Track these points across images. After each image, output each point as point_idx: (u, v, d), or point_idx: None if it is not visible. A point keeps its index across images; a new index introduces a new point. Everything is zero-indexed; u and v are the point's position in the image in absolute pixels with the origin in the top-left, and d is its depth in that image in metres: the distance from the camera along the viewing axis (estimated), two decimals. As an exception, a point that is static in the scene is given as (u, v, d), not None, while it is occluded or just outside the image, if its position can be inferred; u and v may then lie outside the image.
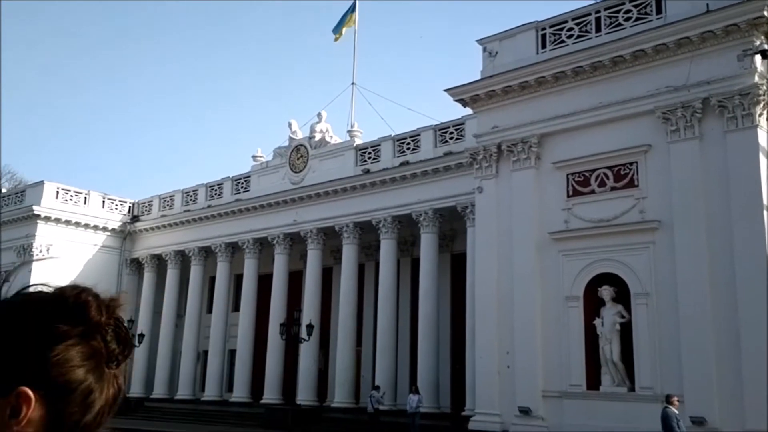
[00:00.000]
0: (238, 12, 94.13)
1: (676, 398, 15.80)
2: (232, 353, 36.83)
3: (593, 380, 20.23)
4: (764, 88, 18.47)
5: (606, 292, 20.18)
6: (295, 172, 34.95)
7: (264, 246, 36.26)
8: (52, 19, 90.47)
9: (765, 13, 18.05)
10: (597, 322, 20.22)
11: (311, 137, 34.95)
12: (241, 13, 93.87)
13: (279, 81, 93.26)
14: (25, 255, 39.66)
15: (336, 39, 38.49)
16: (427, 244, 29.28)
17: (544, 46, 22.56)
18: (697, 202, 18.81)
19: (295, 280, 35.50)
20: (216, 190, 39.59)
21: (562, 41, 22.10)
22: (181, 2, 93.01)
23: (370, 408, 26.34)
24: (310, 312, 31.95)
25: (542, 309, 21.31)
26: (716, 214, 18.52)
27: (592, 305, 20.55)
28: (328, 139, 34.66)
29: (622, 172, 20.56)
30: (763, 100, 18.44)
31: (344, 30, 38.26)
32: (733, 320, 17.79)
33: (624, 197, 20.37)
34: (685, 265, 18.69)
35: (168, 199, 42.37)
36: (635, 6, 20.78)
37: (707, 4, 18.90)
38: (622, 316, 19.87)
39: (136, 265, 43.08)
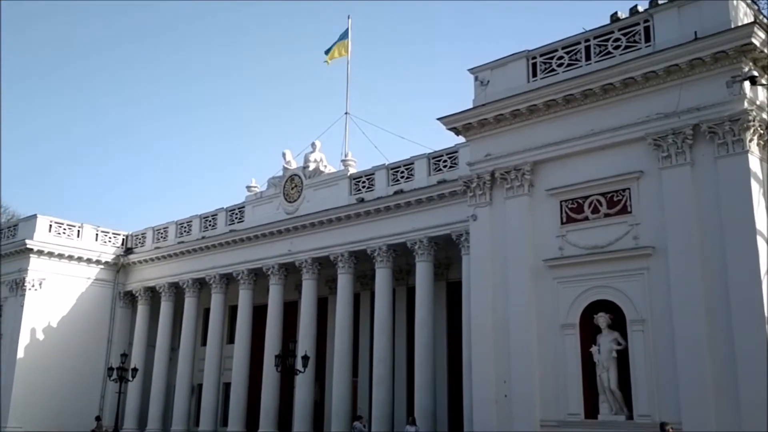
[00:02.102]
0: (230, 41, 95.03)
1: (670, 426, 15.73)
2: (227, 386, 36.49)
3: (591, 409, 20.03)
4: (754, 113, 18.61)
5: (602, 319, 20.07)
6: (290, 202, 34.95)
7: (259, 277, 36.10)
8: (40, 48, 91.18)
9: (753, 40, 18.25)
10: (593, 349, 20.07)
11: (305, 167, 35.02)
12: (234, 42, 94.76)
13: (272, 111, 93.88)
14: (18, 289, 39.45)
15: (327, 62, 38.75)
16: (423, 272, 29.18)
17: (535, 74, 22.74)
18: (691, 228, 18.82)
19: (291, 311, 35.34)
20: (210, 221, 39.53)
21: (553, 70, 22.29)
22: (174, 31, 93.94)
23: (354, 439, 26.19)
24: (305, 343, 31.72)
25: (538, 337, 21.19)
26: (710, 239, 18.52)
27: (589, 332, 20.43)
28: (322, 168, 34.74)
29: (615, 199, 20.61)
30: (753, 126, 18.56)
31: (336, 56, 38.52)
32: (729, 345, 17.69)
33: (617, 224, 20.38)
34: (680, 291, 18.65)
35: (162, 230, 42.27)
36: (624, 34, 21.01)
37: (695, 32, 19.12)
38: (619, 343, 19.75)
39: (130, 297, 42.86)
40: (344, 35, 38.58)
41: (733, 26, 18.68)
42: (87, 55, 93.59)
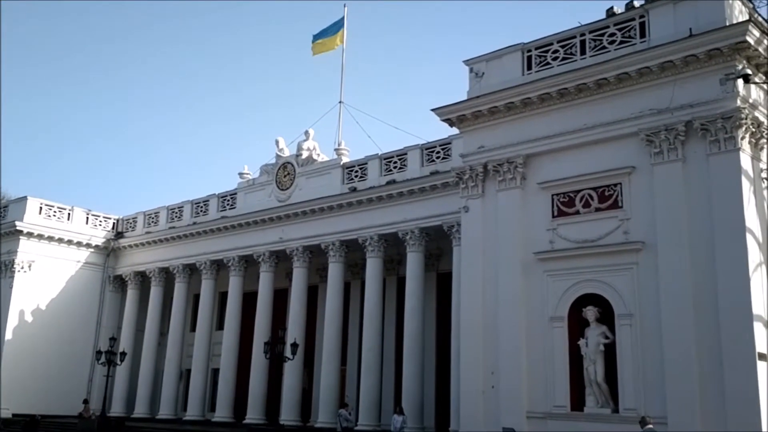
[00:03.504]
0: (224, 29, 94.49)
1: (651, 420, 16.30)
2: (216, 372, 36.53)
3: (577, 401, 20.18)
4: (746, 111, 18.69)
5: (590, 312, 20.18)
6: (282, 190, 34.91)
7: (249, 264, 36.09)
8: (39, 35, 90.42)
9: (747, 38, 18.30)
10: (581, 342, 20.21)
11: (298, 155, 34.96)
12: (228, 31, 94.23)
13: (266, 98, 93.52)
14: (7, 271, 39.27)
15: (314, 53, 38.53)
16: (413, 263, 29.25)
17: (530, 67, 22.74)
18: (681, 224, 18.92)
19: (281, 299, 35.37)
20: (202, 207, 39.45)
21: (548, 63, 22.30)
22: (168, 20, 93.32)
23: (339, 427, 26.25)
24: (294, 331, 31.76)
25: (527, 329, 21.29)
26: (699, 236, 18.63)
27: (577, 326, 20.55)
28: (315, 157, 34.70)
29: (606, 193, 20.67)
30: (746, 123, 18.64)
31: (330, 46, 38.32)
32: (716, 341, 17.82)
33: (608, 218, 20.46)
34: (669, 286, 18.77)
35: (153, 215, 42.17)
36: (619, 29, 21.03)
37: (690, 29, 19.16)
38: (606, 337, 19.87)
39: (120, 282, 42.79)
40: (340, 24, 38.41)
41: (728, 24, 18.75)
42: (84, 44, 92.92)
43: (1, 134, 76.47)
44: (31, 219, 39.84)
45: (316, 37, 38.88)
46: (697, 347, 18.07)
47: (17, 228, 39.03)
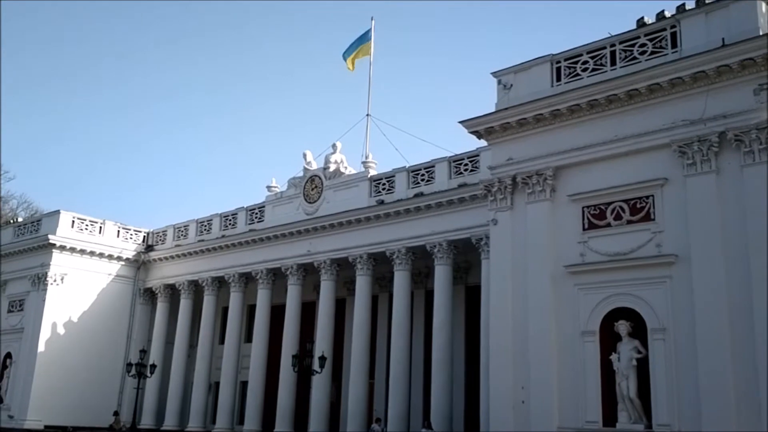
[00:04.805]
0: (252, 42, 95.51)
1: None
2: (244, 385, 36.60)
3: (609, 417, 19.84)
4: (781, 122, 18.34)
5: (622, 326, 19.87)
6: (310, 203, 35.02)
7: (277, 276, 36.21)
8: (67, 49, 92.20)
9: (781, 47, 18.02)
10: (613, 357, 19.90)
11: (326, 168, 35.07)
12: (256, 44, 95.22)
13: (294, 111, 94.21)
14: (40, 284, 39.87)
15: (350, 68, 38.81)
16: (441, 276, 29.09)
17: (559, 78, 22.60)
18: (715, 236, 18.61)
19: (308, 312, 35.40)
20: (230, 220, 39.73)
21: (577, 74, 22.14)
22: (196, 33, 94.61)
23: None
24: (322, 344, 31.73)
25: (558, 343, 21.04)
26: (734, 248, 18.29)
27: (609, 340, 20.25)
28: (342, 169, 34.77)
29: (638, 206, 20.42)
30: (780, 134, 18.31)
31: (358, 60, 38.54)
32: (751, 355, 17.47)
33: (640, 231, 20.18)
34: (703, 300, 18.44)
35: (182, 228, 42.54)
36: (650, 40, 20.83)
37: (723, 39, 18.91)
38: (639, 352, 19.55)
39: (150, 294, 43.16)
40: (366, 37, 38.55)
41: (761, 33, 18.47)
42: (109, 49, 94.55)
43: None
44: (63, 232, 40.43)
45: (345, 54, 39.03)
46: (733, 362, 17.72)
47: (50, 241, 39.62)
